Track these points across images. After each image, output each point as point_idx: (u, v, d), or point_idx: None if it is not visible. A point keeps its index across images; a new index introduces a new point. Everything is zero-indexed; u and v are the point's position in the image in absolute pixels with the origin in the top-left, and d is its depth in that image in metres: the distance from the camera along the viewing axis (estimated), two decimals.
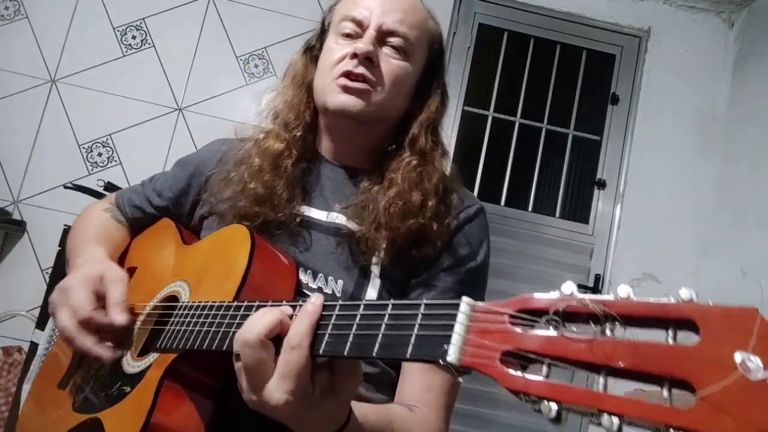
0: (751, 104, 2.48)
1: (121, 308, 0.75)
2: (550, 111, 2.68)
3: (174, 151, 2.47)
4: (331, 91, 0.85)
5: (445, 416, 0.81)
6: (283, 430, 0.59)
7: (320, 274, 0.82)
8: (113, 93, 2.50)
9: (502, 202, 2.61)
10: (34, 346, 1.94)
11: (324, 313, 0.54)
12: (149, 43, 2.55)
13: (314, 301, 0.54)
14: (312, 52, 0.95)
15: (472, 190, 2.57)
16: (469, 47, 2.64)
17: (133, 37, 2.55)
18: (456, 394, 0.85)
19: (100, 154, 2.47)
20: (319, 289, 0.82)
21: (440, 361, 0.43)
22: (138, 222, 1.02)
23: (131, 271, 0.95)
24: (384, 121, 0.89)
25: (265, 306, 0.59)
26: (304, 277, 0.82)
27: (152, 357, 0.73)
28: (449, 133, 2.58)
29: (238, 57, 2.56)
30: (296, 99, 0.93)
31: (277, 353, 0.53)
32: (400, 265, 0.83)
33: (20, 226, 2.37)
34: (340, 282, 0.82)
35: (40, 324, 1.92)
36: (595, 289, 2.53)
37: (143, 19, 2.55)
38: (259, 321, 0.54)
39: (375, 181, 0.86)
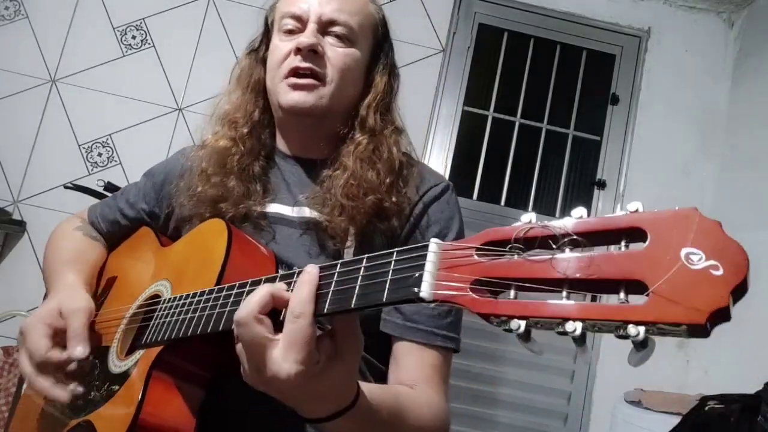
0: (751, 104, 2.48)
1: (78, 341, 0.74)
2: (550, 111, 2.68)
3: (174, 151, 2.47)
4: (282, 91, 0.87)
5: (442, 391, 0.82)
6: (275, 418, 0.59)
7: (294, 267, 0.83)
8: (113, 93, 2.49)
9: (502, 202, 2.61)
10: None
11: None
12: (149, 43, 2.55)
13: (311, 270, 0.54)
14: (258, 53, 0.97)
15: (472, 190, 2.58)
16: (469, 47, 2.64)
17: (133, 37, 2.55)
18: (449, 369, 0.86)
19: (100, 154, 2.47)
20: None
21: (415, 298, 0.45)
22: (114, 236, 1.03)
23: (111, 281, 0.95)
24: (336, 111, 0.89)
25: (258, 283, 0.59)
26: (280, 272, 0.83)
27: (138, 353, 0.73)
28: (449, 133, 2.58)
29: (238, 57, 2.55)
30: (242, 99, 0.95)
31: (276, 328, 0.53)
32: (372, 246, 0.84)
33: (20, 226, 2.37)
34: None
35: None
36: None
37: (143, 19, 2.55)
38: (251, 298, 0.54)
39: (332, 168, 0.88)
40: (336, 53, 0.87)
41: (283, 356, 0.51)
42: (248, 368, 0.54)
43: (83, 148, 2.46)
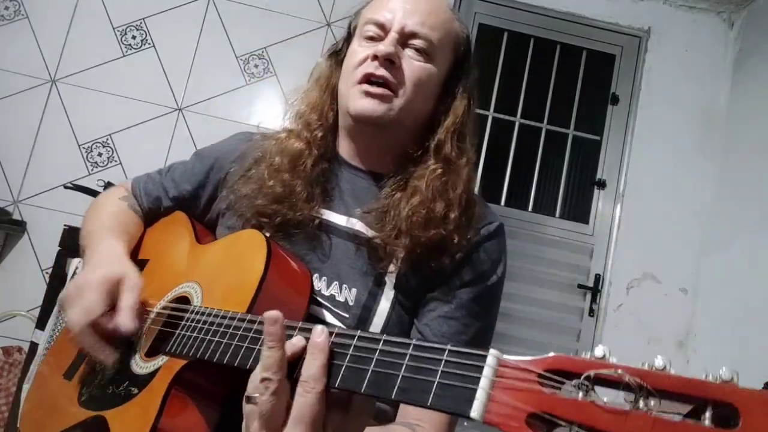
0: (751, 104, 2.48)
1: (130, 315, 0.74)
2: (550, 111, 2.68)
3: (174, 151, 2.48)
4: (353, 96, 0.85)
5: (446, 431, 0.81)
6: None
7: (335, 282, 0.82)
8: (113, 93, 2.50)
9: (502, 202, 2.61)
10: (34, 346, 1.94)
11: (340, 341, 0.52)
12: (149, 43, 2.55)
13: (320, 335, 0.52)
14: (338, 56, 0.95)
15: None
16: None
17: (133, 37, 2.55)
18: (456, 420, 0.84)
19: (100, 154, 2.47)
20: (332, 297, 0.81)
21: (463, 415, 0.41)
22: (153, 212, 1.01)
23: (142, 264, 0.94)
24: (406, 125, 0.87)
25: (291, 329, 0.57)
26: (318, 284, 0.81)
27: (161, 360, 0.73)
28: None
29: (238, 57, 2.56)
30: (319, 101, 0.92)
31: (292, 389, 0.52)
32: (416, 277, 0.82)
33: (20, 226, 2.37)
34: (354, 290, 0.81)
35: (40, 324, 1.92)
36: (596, 289, 2.53)
37: (143, 19, 2.55)
38: (269, 362, 0.52)
39: (397, 187, 0.85)
40: (412, 66, 0.85)
41: (291, 427, 0.50)
42: (255, 419, 0.53)
43: (83, 148, 2.47)
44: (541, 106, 2.68)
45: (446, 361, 0.45)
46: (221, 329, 0.65)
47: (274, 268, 0.72)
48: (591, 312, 2.51)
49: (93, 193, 1.99)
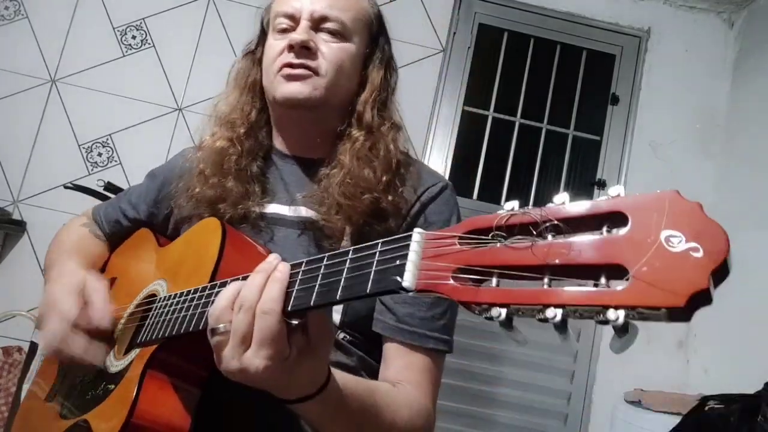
0: (751, 104, 2.48)
1: (103, 308, 0.76)
2: (550, 111, 2.68)
3: (174, 151, 2.46)
4: (277, 83, 0.87)
5: (429, 393, 0.82)
6: (272, 417, 0.59)
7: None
8: (113, 93, 2.49)
9: (502, 202, 2.59)
10: (34, 346, 1.94)
11: (292, 272, 0.56)
12: (149, 43, 2.55)
13: (281, 269, 0.55)
14: (254, 54, 0.98)
15: (472, 190, 2.58)
16: (469, 47, 2.64)
17: (133, 37, 2.55)
18: (440, 372, 0.85)
19: (100, 154, 2.47)
20: None
21: (397, 287, 0.45)
22: (116, 236, 1.04)
23: (111, 282, 0.96)
24: (333, 105, 0.89)
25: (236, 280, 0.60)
26: None
27: (134, 353, 0.73)
28: (449, 133, 2.58)
29: (239, 57, 2.55)
30: (240, 99, 0.95)
31: None
32: (360, 222, 0.84)
33: (20, 226, 2.37)
34: None
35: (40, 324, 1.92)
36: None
37: (143, 19, 2.55)
38: (224, 293, 0.56)
39: (330, 166, 0.87)
40: (330, 48, 0.87)
41: (254, 352, 0.53)
42: (220, 359, 0.56)
43: (83, 148, 2.46)
44: (541, 106, 2.68)
45: (379, 251, 0.49)
46: (185, 305, 0.67)
47: (231, 244, 0.74)
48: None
49: (93, 193, 1.99)
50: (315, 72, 0.85)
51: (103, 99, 2.48)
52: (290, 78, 0.85)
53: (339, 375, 0.63)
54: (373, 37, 0.94)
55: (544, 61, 2.69)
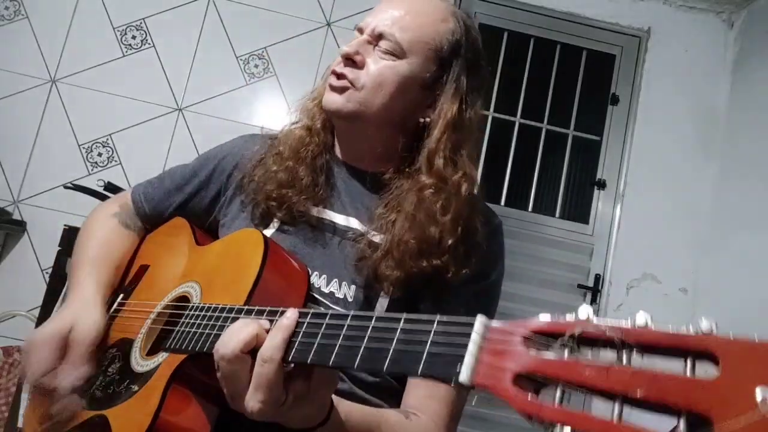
0: (751, 104, 2.48)
1: (72, 370, 0.77)
2: (550, 111, 2.68)
3: (174, 151, 2.48)
4: (324, 91, 0.89)
5: (446, 426, 0.79)
6: None
7: (334, 279, 0.83)
8: (113, 93, 2.50)
9: (502, 202, 2.61)
10: None
11: (333, 322, 0.54)
12: (149, 43, 2.55)
13: (289, 316, 0.56)
14: None
15: None
16: None
17: (133, 37, 2.55)
18: (462, 406, 0.83)
19: (100, 154, 2.47)
20: (331, 294, 0.82)
21: (452, 381, 0.42)
22: (155, 217, 1.02)
23: (142, 270, 0.95)
24: (377, 121, 0.87)
25: (263, 311, 0.60)
26: (317, 281, 0.83)
27: (161, 357, 0.73)
28: None
29: (238, 57, 2.56)
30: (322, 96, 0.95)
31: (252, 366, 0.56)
32: (415, 274, 0.82)
33: (20, 226, 2.37)
34: (353, 287, 0.82)
35: (40, 324, 1.92)
36: (596, 289, 2.53)
37: (143, 19, 2.55)
38: (235, 336, 0.56)
39: (391, 200, 0.85)
40: (377, 64, 0.86)
41: (250, 395, 0.55)
42: (226, 394, 0.59)
43: (83, 148, 2.46)
44: (541, 106, 2.68)
45: (435, 331, 0.46)
46: (219, 323, 0.66)
47: (271, 264, 0.73)
48: None
49: (93, 193, 1.98)
50: (353, 84, 0.85)
51: (103, 99, 2.49)
52: (331, 88, 0.86)
53: (344, 406, 0.63)
54: (442, 63, 0.88)
55: (544, 61, 2.70)
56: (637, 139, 2.61)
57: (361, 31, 0.88)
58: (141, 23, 2.55)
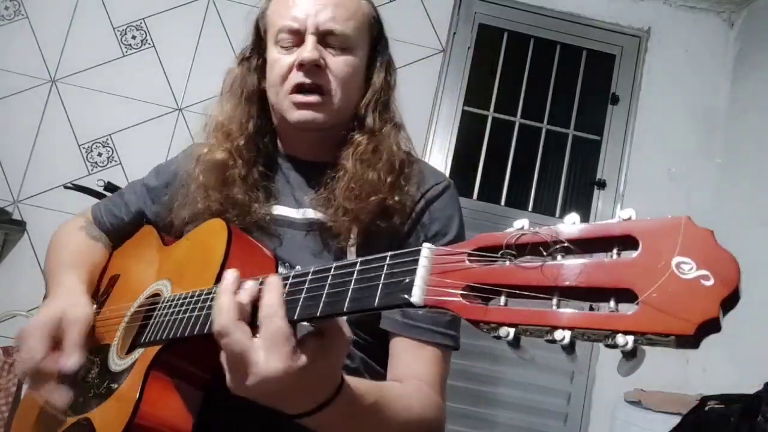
0: (751, 104, 2.48)
1: (72, 352, 0.76)
2: (550, 111, 2.68)
3: (174, 151, 2.46)
4: (288, 108, 0.87)
5: (437, 386, 0.82)
6: (274, 422, 0.59)
7: (297, 267, 0.84)
8: (113, 93, 2.49)
9: (502, 202, 2.61)
10: None
11: (298, 280, 0.56)
12: (149, 43, 2.55)
13: (270, 278, 0.56)
14: (250, 61, 0.96)
15: (472, 190, 2.58)
16: (469, 47, 2.64)
17: (133, 37, 2.55)
18: (448, 367, 0.86)
19: (100, 154, 2.47)
20: None
21: (406, 303, 0.45)
22: (119, 231, 1.03)
23: (113, 280, 0.96)
24: (344, 117, 0.91)
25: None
26: (282, 271, 0.83)
27: (138, 352, 0.74)
28: (449, 133, 2.58)
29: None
30: (237, 110, 0.94)
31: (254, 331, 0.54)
32: (375, 243, 0.84)
33: (20, 226, 2.37)
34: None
35: None
36: None
37: (143, 19, 2.55)
38: (225, 306, 0.55)
39: (336, 170, 0.88)
40: (336, 64, 0.87)
41: (265, 360, 0.52)
42: (232, 376, 0.55)
43: (83, 148, 2.46)
44: (541, 106, 2.68)
45: (388, 265, 0.49)
46: (190, 307, 0.67)
47: (236, 247, 0.74)
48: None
49: (93, 193, 1.99)
50: (326, 93, 0.86)
51: (103, 99, 2.48)
52: (302, 106, 0.86)
53: (350, 381, 0.62)
54: (374, 41, 0.95)
55: (544, 61, 2.69)
56: (637, 139, 2.61)
57: (296, 32, 0.86)
58: (141, 23, 2.55)
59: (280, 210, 0.90)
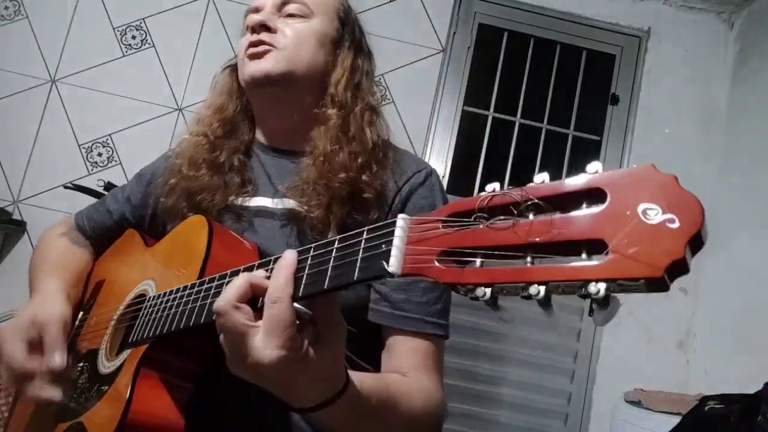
0: (751, 104, 2.48)
1: (55, 350, 0.76)
2: (550, 111, 2.68)
3: None
4: (243, 67, 0.89)
5: (435, 376, 0.82)
6: (268, 412, 0.58)
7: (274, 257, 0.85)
8: (113, 93, 2.49)
9: None
10: None
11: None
12: (149, 43, 2.55)
13: (289, 256, 0.55)
14: (234, 68, 1.00)
15: (472, 190, 2.58)
16: (469, 47, 2.64)
17: (133, 37, 2.55)
18: (442, 356, 0.86)
19: (100, 154, 2.47)
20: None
21: (384, 273, 0.45)
22: (102, 237, 1.04)
23: (99, 285, 0.96)
24: (299, 79, 0.90)
25: (237, 273, 0.59)
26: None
27: (126, 353, 0.74)
28: (449, 133, 2.58)
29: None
30: (217, 102, 0.97)
31: (257, 316, 0.53)
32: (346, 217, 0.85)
33: (20, 226, 2.37)
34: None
35: None
36: None
37: (143, 19, 2.55)
38: (229, 288, 0.54)
39: (308, 152, 0.89)
40: (290, 26, 0.90)
41: (264, 343, 0.51)
42: (232, 358, 0.54)
43: (83, 148, 2.46)
44: (541, 106, 2.68)
45: (365, 239, 0.49)
46: (176, 302, 0.67)
47: (218, 241, 0.74)
48: (591, 312, 2.51)
49: (93, 193, 1.99)
50: (276, 46, 0.88)
51: (103, 99, 2.48)
52: (252, 57, 0.87)
53: (355, 376, 0.62)
54: (342, 22, 0.96)
55: (544, 61, 2.69)
56: (637, 139, 2.62)
57: (257, 10, 0.91)
58: (141, 23, 2.55)
59: (257, 200, 0.90)
